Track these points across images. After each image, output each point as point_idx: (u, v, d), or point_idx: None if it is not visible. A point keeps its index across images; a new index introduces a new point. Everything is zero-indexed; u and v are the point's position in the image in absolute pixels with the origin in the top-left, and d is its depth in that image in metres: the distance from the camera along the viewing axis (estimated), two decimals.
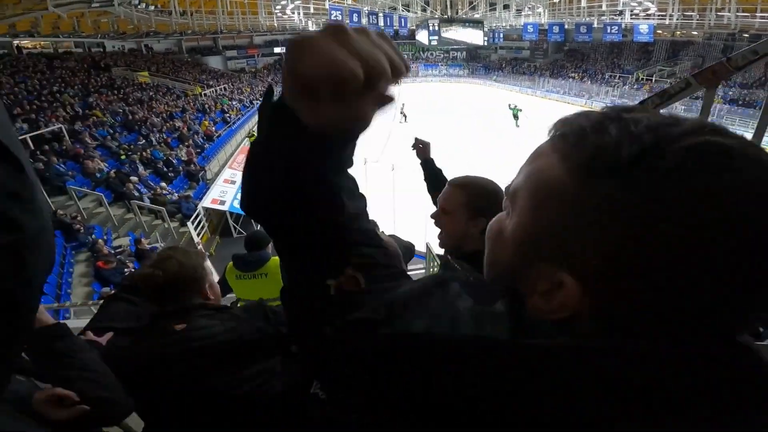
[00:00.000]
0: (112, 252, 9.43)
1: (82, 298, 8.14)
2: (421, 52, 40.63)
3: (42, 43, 24.84)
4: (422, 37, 34.12)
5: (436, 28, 32.58)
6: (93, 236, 9.91)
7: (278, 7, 28.17)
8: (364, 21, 27.03)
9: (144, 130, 16.19)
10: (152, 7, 21.62)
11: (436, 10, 33.20)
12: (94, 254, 9.14)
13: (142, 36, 29.06)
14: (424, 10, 33.06)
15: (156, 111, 18.65)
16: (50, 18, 19.93)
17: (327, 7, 28.18)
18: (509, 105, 23.41)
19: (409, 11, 32.80)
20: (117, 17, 22.22)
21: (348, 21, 25.79)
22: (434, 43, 33.94)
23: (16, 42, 22.73)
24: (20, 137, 10.44)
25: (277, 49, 37.30)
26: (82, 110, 15.91)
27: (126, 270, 8.80)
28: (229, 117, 21.73)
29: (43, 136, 12.54)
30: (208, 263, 1.55)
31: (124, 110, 17.44)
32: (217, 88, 25.99)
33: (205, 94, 23.35)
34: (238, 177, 14.61)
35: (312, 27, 28.61)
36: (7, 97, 14.56)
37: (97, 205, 11.60)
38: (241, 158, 17.21)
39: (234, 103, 24.35)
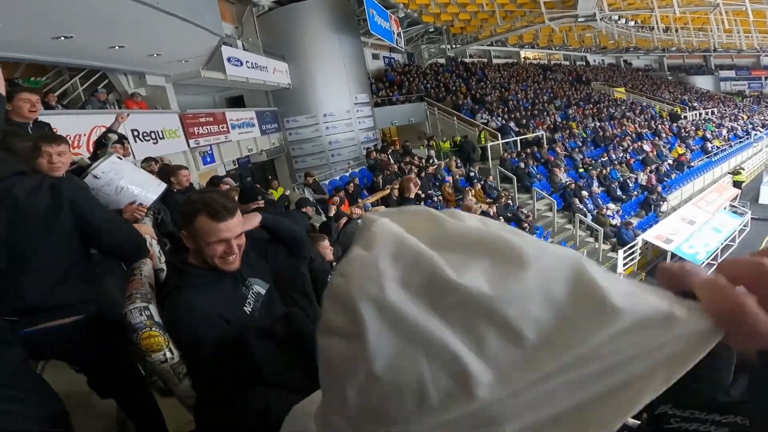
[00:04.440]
0: None
1: None
2: None
3: (539, 54, 28.40)
4: None
5: None
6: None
7: None
8: None
9: (612, 147, 15.58)
10: (632, 23, 20.73)
11: None
12: None
13: (621, 51, 29.30)
14: None
15: (626, 129, 17.63)
16: (546, 31, 23.00)
17: None
18: None
19: None
20: (599, 32, 23.07)
21: None
22: None
23: (522, 52, 26.88)
24: (512, 138, 11.73)
25: None
26: (562, 120, 16.89)
27: None
28: (711, 146, 17.96)
29: (528, 140, 14.05)
30: None
31: (596, 125, 17.36)
32: (702, 111, 22.09)
33: (685, 117, 20.25)
34: (700, 217, 12.73)
35: None
36: (511, 102, 17.27)
37: (548, 210, 12.35)
38: (712, 197, 13.85)
39: (721, 130, 20.00)
